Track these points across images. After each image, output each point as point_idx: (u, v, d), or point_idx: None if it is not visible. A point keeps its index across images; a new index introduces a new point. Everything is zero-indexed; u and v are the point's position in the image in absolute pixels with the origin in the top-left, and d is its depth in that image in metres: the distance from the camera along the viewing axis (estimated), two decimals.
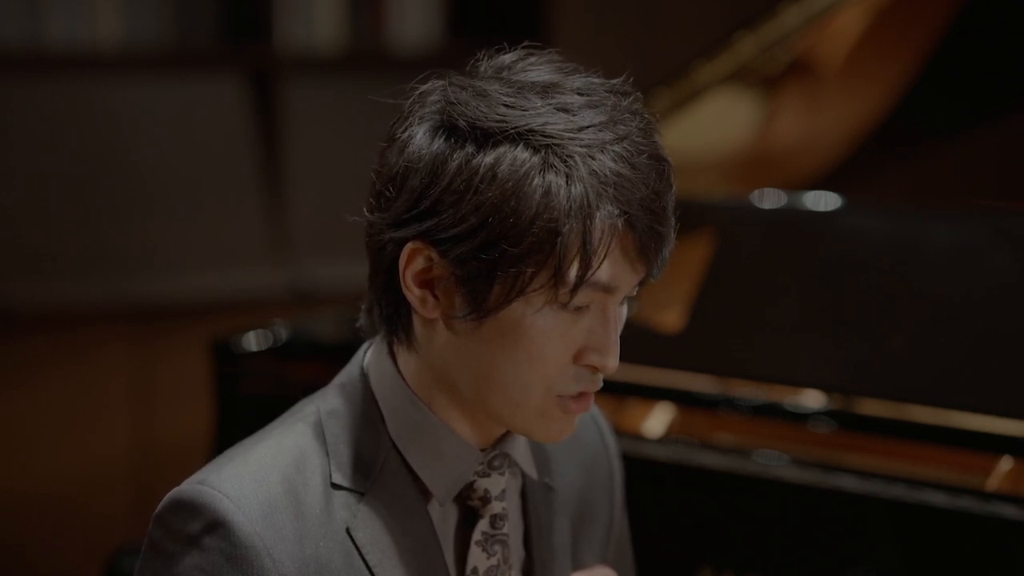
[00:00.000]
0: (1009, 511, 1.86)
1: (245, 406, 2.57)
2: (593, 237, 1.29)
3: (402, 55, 4.03)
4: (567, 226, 1.28)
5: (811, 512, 1.99)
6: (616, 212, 1.30)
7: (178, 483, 1.37)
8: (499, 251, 1.29)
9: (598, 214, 1.29)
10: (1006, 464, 1.97)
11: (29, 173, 3.85)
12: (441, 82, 1.36)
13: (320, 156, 3.99)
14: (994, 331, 2.04)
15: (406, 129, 1.34)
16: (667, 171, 1.34)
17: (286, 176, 4.05)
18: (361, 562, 1.36)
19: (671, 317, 2.36)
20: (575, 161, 1.29)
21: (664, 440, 2.18)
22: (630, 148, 1.31)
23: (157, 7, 3.95)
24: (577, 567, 1.52)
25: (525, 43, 1.38)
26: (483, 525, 1.41)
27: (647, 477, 2.09)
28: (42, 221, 3.86)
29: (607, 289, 1.33)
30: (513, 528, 1.45)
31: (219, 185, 4.03)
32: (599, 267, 1.30)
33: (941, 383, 2.03)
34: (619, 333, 1.36)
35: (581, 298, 1.32)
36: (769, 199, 2.38)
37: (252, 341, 2.59)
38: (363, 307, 1.43)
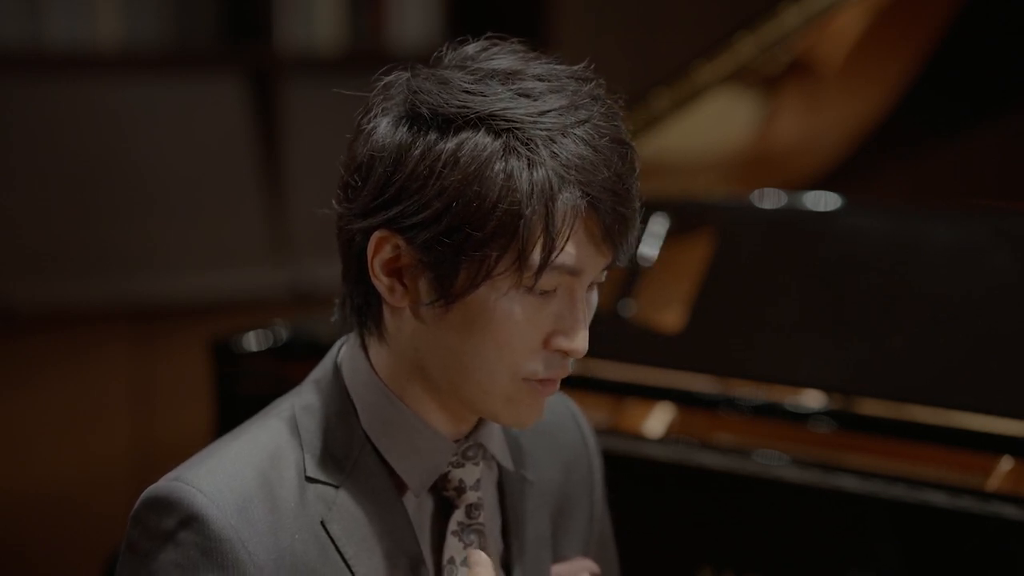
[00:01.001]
0: (1009, 511, 1.86)
1: (245, 406, 2.55)
2: (556, 219, 1.30)
3: (402, 55, 4.02)
4: (529, 208, 1.30)
5: (811, 512, 1.99)
6: (579, 194, 1.31)
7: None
8: (463, 235, 1.30)
9: (560, 196, 1.30)
10: (1006, 464, 1.96)
11: (29, 173, 3.85)
12: (405, 73, 1.38)
13: (320, 156, 3.99)
14: (994, 331, 2.04)
15: (371, 120, 1.36)
16: (630, 154, 1.35)
17: (286, 176, 4.05)
18: (336, 554, 1.36)
19: (671, 317, 2.36)
20: (536, 145, 1.31)
21: (664, 440, 2.17)
22: (592, 131, 1.32)
23: (157, 7, 3.95)
24: (557, 561, 1.52)
25: (488, 34, 1.39)
26: (459, 515, 1.42)
27: (647, 477, 2.09)
28: (42, 221, 3.86)
29: (573, 272, 1.33)
30: (490, 519, 1.46)
31: (219, 185, 4.03)
32: (563, 249, 1.31)
33: (941, 383, 2.03)
34: (589, 318, 1.37)
35: (547, 281, 1.33)
36: (769, 199, 2.38)
37: (252, 341, 2.59)
38: (337, 301, 1.44)
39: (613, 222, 1.33)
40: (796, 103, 2.95)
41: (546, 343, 1.35)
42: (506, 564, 1.47)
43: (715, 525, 2.05)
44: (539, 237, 1.31)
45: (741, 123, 2.94)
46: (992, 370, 2.00)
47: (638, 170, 1.36)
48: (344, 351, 1.44)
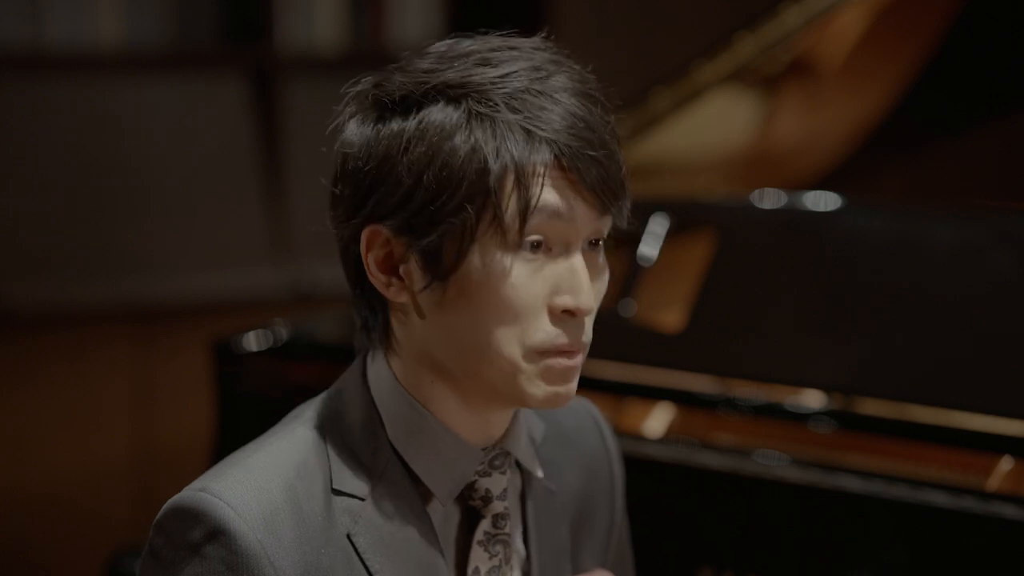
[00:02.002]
0: (1010, 511, 1.86)
1: (245, 406, 2.57)
2: (526, 169, 1.31)
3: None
4: (498, 163, 1.31)
5: (811, 512, 1.99)
6: (545, 142, 1.31)
7: (179, 483, 1.37)
8: (439, 204, 1.31)
9: (527, 147, 1.31)
10: (1007, 464, 1.96)
11: (29, 173, 3.85)
12: (368, 76, 1.40)
13: (320, 156, 3.99)
14: (994, 331, 2.04)
15: (341, 126, 1.38)
16: (599, 107, 1.35)
17: (286, 176, 4.05)
18: (363, 568, 1.35)
19: (671, 317, 2.36)
20: (496, 103, 1.32)
21: (664, 440, 2.17)
22: (555, 86, 1.34)
23: (158, 7, 3.95)
24: (577, 571, 1.51)
25: (453, 33, 1.41)
26: (485, 525, 1.41)
27: (647, 477, 2.08)
28: (42, 221, 3.86)
29: (559, 216, 1.33)
30: (513, 528, 1.45)
31: (219, 185, 4.03)
32: (540, 196, 1.31)
33: (941, 383, 2.03)
34: (603, 284, 1.37)
35: (535, 228, 1.32)
36: (769, 199, 2.38)
37: (252, 341, 2.59)
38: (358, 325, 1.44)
39: (589, 167, 1.32)
40: (796, 103, 2.95)
41: (550, 308, 1.34)
42: (526, 573, 1.46)
43: (715, 525, 2.05)
44: (513, 191, 1.31)
45: (741, 123, 2.94)
46: (992, 370, 2.00)
47: (612, 123, 1.37)
48: (370, 360, 1.43)
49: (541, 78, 1.34)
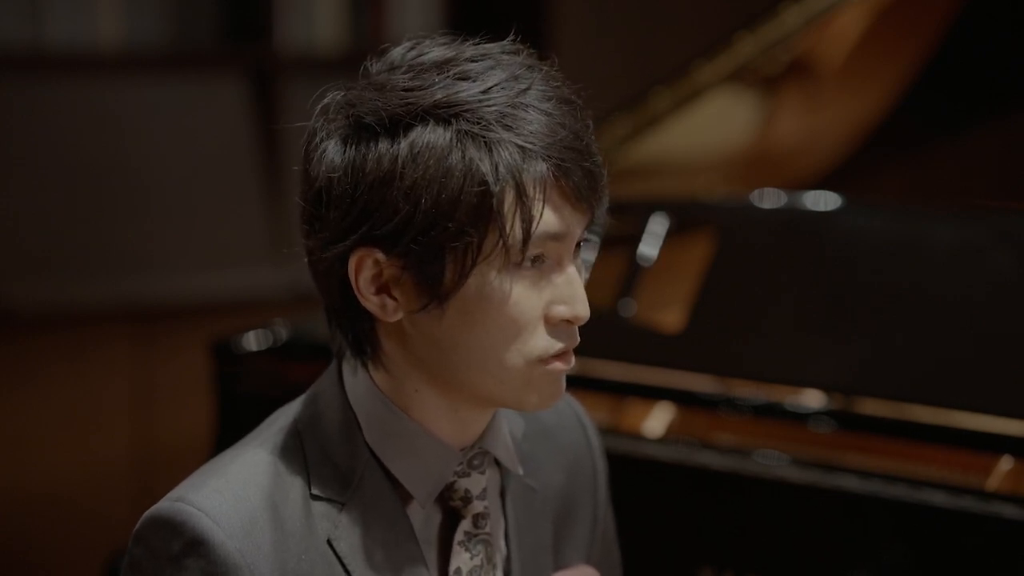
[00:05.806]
0: (1009, 511, 1.86)
1: (245, 406, 2.57)
2: (528, 189, 1.30)
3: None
4: (498, 186, 1.29)
5: (811, 512, 1.99)
6: (543, 160, 1.31)
7: (178, 483, 1.37)
8: (440, 229, 1.30)
9: (526, 167, 1.30)
10: (1006, 464, 1.97)
11: (29, 173, 3.85)
12: (339, 92, 1.37)
13: None
14: (994, 331, 2.04)
15: (317, 146, 1.35)
16: (579, 111, 1.35)
17: (286, 176, 4.05)
18: (344, 573, 1.36)
19: (671, 317, 2.36)
20: (489, 123, 1.30)
21: (664, 440, 2.18)
22: (538, 96, 1.32)
23: (158, 7, 3.95)
24: (560, 567, 1.51)
25: (409, 35, 1.39)
26: (465, 525, 1.41)
27: (647, 477, 2.09)
28: (42, 221, 3.86)
29: (557, 237, 1.33)
30: (495, 526, 1.45)
31: (219, 185, 4.03)
32: (542, 217, 1.31)
33: (941, 383, 2.03)
34: (583, 283, 1.37)
35: (534, 251, 1.32)
36: (769, 199, 2.38)
37: (252, 341, 2.59)
38: (330, 343, 1.42)
39: (581, 178, 1.33)
40: (796, 103, 2.95)
41: (547, 318, 1.34)
42: (507, 571, 1.46)
43: (715, 525, 2.05)
44: (515, 211, 1.30)
45: (741, 123, 2.94)
46: (992, 370, 2.01)
47: (591, 125, 1.36)
48: (346, 363, 1.42)
49: (523, 90, 1.32)
